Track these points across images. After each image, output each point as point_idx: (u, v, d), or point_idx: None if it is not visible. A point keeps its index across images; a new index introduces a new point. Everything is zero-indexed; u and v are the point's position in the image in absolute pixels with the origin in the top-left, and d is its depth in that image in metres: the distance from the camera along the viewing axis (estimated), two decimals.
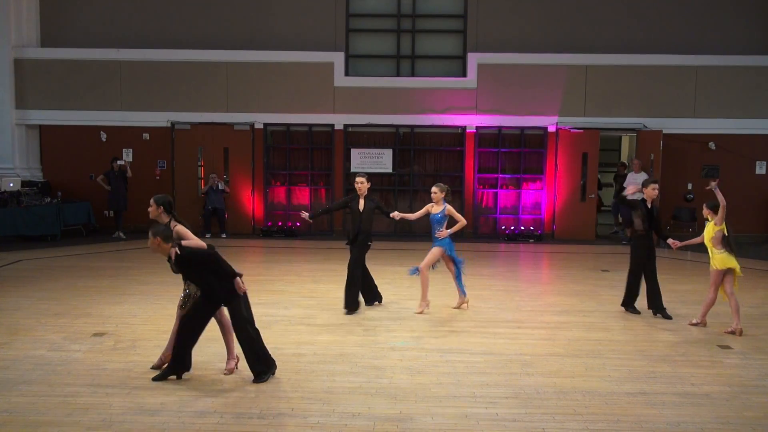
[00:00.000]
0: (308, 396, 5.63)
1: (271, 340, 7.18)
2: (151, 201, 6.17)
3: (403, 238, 15.50)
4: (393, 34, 16.08)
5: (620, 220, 15.81)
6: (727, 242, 7.73)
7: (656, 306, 8.45)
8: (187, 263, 5.75)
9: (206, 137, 15.72)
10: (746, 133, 15.39)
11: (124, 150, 15.66)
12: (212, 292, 5.87)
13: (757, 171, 15.60)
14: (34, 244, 13.67)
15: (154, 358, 6.37)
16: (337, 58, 15.55)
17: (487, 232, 15.79)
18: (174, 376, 5.95)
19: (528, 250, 14.24)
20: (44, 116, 15.69)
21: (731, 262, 7.73)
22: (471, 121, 15.53)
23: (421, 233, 15.77)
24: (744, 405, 5.60)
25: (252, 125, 15.68)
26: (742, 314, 8.06)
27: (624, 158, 18.77)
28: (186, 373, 6.03)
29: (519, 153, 15.71)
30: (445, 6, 16.10)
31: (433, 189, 8.40)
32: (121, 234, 14.65)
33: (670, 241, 8.31)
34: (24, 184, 14.65)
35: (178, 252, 5.65)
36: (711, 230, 7.83)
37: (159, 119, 15.63)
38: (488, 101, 15.45)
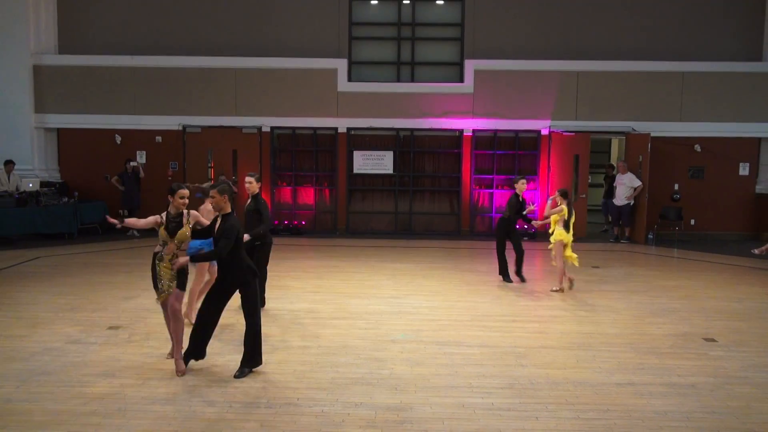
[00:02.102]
0: (313, 386, 5.77)
1: (277, 333, 7.35)
2: (214, 192, 5.93)
3: (403, 236, 15.84)
4: (394, 41, 16.22)
5: (609, 219, 16.34)
6: (567, 224, 9.65)
7: (516, 270, 10.44)
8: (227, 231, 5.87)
9: (216, 140, 15.92)
10: (730, 136, 15.60)
11: (137, 152, 15.88)
12: (229, 273, 5.93)
13: (741, 172, 15.80)
14: (52, 242, 13.80)
15: (167, 351, 6.53)
16: (341, 65, 15.73)
17: (483, 231, 15.98)
18: (193, 359, 6.15)
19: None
20: (62, 120, 15.81)
21: (566, 237, 9.63)
22: (468, 124, 15.76)
23: (420, 231, 16.29)
24: (728, 395, 5.74)
25: (259, 128, 15.91)
26: (728, 309, 8.88)
27: (613, 160, 19.00)
28: (199, 362, 6.19)
29: (514, 155, 15.91)
30: (443, 14, 16.23)
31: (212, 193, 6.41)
32: (135, 232, 14.69)
33: (534, 223, 10.55)
34: (42, 184, 14.76)
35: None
36: (559, 213, 9.66)
37: (171, 123, 15.84)
38: (484, 106, 15.67)
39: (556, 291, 9.84)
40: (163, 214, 6.24)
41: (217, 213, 6.05)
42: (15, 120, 15.58)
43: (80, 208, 14.72)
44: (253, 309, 6.04)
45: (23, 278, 10.33)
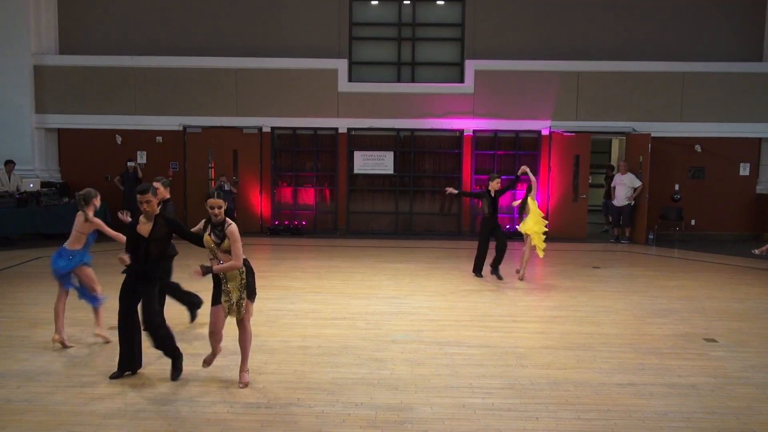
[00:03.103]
0: (313, 386, 5.78)
1: (278, 333, 7.39)
2: (221, 202, 5.72)
3: (403, 236, 15.86)
4: (394, 42, 16.27)
5: (609, 219, 16.35)
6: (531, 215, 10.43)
7: (493, 267, 10.66)
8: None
9: (216, 140, 15.98)
10: (731, 136, 15.63)
11: (138, 152, 15.92)
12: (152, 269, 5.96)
13: (741, 172, 15.83)
14: (52, 242, 13.34)
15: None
16: (341, 65, 15.76)
17: None
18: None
19: (522, 247, 14.30)
20: (62, 120, 15.85)
21: (540, 227, 10.44)
22: (468, 124, 15.79)
23: (420, 231, 16.30)
24: (728, 395, 5.75)
25: (260, 129, 15.96)
26: (728, 310, 8.93)
27: (614, 161, 19.08)
28: (198, 363, 6.12)
29: (514, 155, 15.94)
30: (443, 15, 16.27)
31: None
32: None
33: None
34: (43, 184, 14.77)
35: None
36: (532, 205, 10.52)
37: (172, 123, 15.88)
38: (485, 106, 15.70)
39: (520, 276, 10.73)
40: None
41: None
42: (15, 120, 15.64)
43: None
44: (151, 305, 6.02)
45: (24, 278, 10.36)
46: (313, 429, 5.01)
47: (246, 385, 5.81)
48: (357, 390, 5.75)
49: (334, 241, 15.00)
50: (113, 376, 5.98)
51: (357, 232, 16.21)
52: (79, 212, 6.89)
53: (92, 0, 16.18)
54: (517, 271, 10.90)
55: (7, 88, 15.60)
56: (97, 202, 6.96)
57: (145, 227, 5.93)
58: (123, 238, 6.60)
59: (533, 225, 10.43)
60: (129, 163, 15.36)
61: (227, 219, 5.79)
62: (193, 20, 16.11)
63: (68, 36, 16.17)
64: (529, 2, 16.01)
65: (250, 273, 5.87)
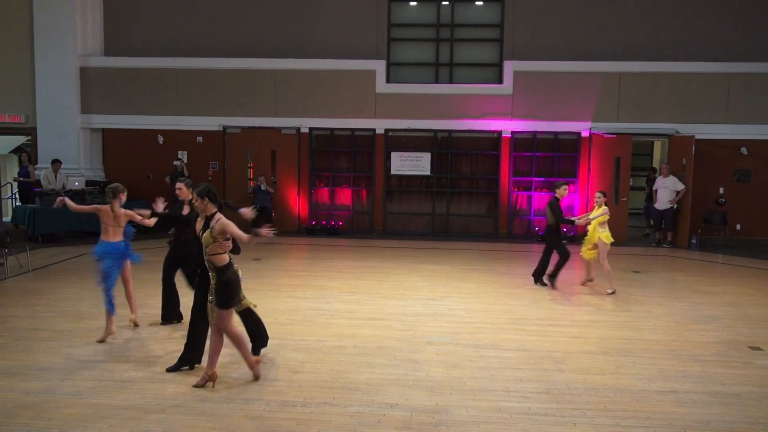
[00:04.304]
0: (349, 386, 5.80)
1: (314, 333, 7.46)
2: (194, 193, 5.84)
3: (439, 237, 15.82)
4: (432, 42, 16.28)
5: (651, 222, 16.07)
6: (607, 224, 9.92)
7: (552, 273, 10.21)
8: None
9: (255, 140, 16.20)
10: None
11: (179, 152, 16.26)
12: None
13: None
14: (96, 240, 13.81)
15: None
16: (379, 66, 15.84)
17: (521, 233, 15.89)
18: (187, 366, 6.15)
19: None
20: (107, 120, 16.31)
21: (610, 237, 9.87)
22: (507, 126, 15.68)
23: (457, 232, 16.29)
24: None
25: (298, 129, 16.11)
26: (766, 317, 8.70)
27: (656, 163, 18.77)
28: (236, 362, 6.17)
29: (553, 157, 15.79)
30: (482, 15, 16.22)
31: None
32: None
33: (579, 221, 10.45)
34: (88, 183, 15.14)
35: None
36: (600, 213, 9.92)
37: (212, 123, 16.17)
38: (523, 107, 15.59)
39: (611, 293, 9.84)
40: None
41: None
42: (62, 120, 16.13)
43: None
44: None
45: (68, 274, 10.63)
46: (347, 429, 5.02)
47: (257, 377, 5.94)
48: (392, 391, 5.74)
49: (370, 242, 15.04)
50: (170, 370, 6.13)
51: (393, 232, 16.22)
52: (107, 205, 7.20)
53: (136, 3, 16.60)
54: (589, 281, 10.49)
55: (54, 89, 16.08)
56: (123, 196, 7.29)
57: (198, 225, 5.93)
58: (149, 221, 7.31)
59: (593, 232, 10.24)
60: (175, 162, 15.72)
61: (217, 214, 5.71)
62: (233, 23, 16.36)
63: (113, 38, 16.66)
64: (569, 2, 15.85)
65: (225, 285, 5.67)
